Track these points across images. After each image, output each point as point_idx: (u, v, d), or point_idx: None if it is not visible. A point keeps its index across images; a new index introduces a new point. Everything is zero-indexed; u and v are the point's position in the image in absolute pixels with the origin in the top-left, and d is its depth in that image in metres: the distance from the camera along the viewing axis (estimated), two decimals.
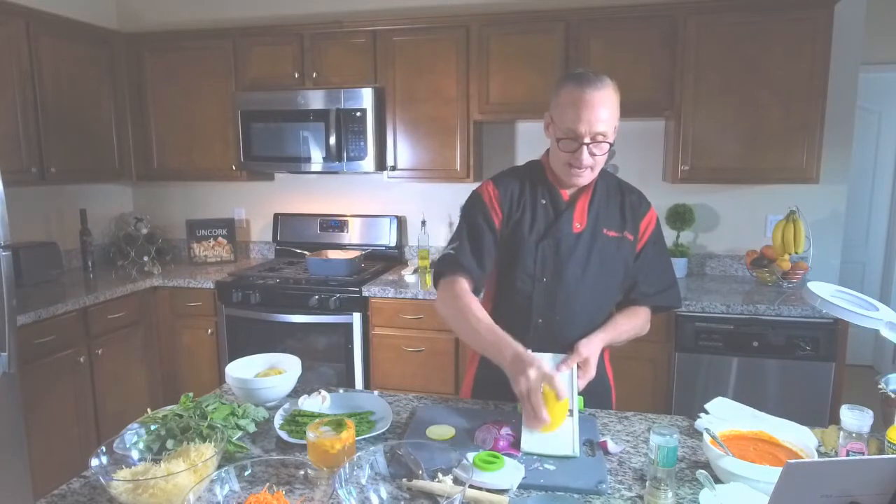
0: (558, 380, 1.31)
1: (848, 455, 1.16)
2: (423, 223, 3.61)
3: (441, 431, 1.40)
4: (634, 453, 1.34)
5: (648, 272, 1.63)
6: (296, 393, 1.64)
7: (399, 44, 3.28)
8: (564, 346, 1.49)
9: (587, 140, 1.45)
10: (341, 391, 1.66)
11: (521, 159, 3.44)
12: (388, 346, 3.15)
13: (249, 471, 1.14)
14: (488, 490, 1.13)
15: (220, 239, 3.87)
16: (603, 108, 1.43)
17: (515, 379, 1.34)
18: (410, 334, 3.11)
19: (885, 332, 1.35)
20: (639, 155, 3.37)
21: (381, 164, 3.39)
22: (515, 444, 1.33)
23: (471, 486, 1.10)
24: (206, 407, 1.37)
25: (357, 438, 1.31)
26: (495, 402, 1.60)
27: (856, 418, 1.16)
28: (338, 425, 1.23)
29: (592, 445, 1.34)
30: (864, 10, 3.09)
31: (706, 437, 1.23)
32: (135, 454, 1.19)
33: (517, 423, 1.37)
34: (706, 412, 1.48)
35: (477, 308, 1.50)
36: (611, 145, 1.49)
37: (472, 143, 3.28)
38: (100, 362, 3.06)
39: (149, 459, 1.18)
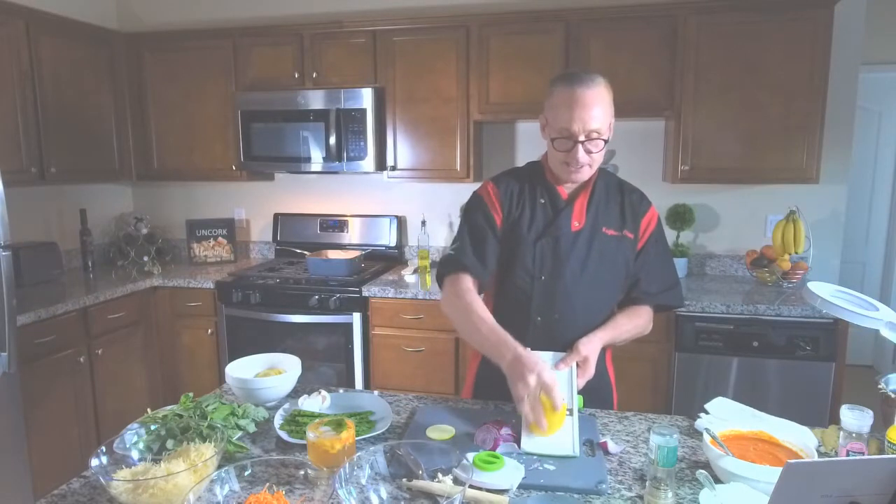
0: (556, 392, 1.30)
1: (848, 455, 1.16)
2: (423, 223, 3.61)
3: (441, 431, 1.40)
4: (634, 453, 1.34)
5: (650, 271, 1.62)
6: (296, 393, 1.64)
7: (399, 44, 3.28)
8: (563, 344, 1.49)
9: (581, 138, 1.45)
10: (341, 391, 1.66)
11: (521, 159, 3.44)
12: (388, 346, 3.15)
13: (249, 471, 1.14)
14: (488, 490, 1.13)
15: (220, 239, 3.87)
16: (595, 106, 1.44)
17: (514, 384, 1.34)
18: (410, 334, 3.11)
19: (885, 332, 1.35)
20: (639, 155, 3.37)
21: (381, 164, 3.39)
22: (516, 442, 1.33)
23: (471, 486, 1.10)
24: (206, 407, 1.37)
25: (357, 438, 1.31)
26: (495, 402, 1.60)
27: (856, 418, 1.16)
28: (338, 425, 1.23)
29: (592, 445, 1.34)
30: (864, 10, 3.09)
31: (706, 437, 1.23)
32: (135, 454, 1.19)
33: (517, 423, 1.37)
34: (706, 412, 1.48)
35: (479, 307, 1.50)
36: (605, 141, 1.49)
37: (472, 143, 3.28)
38: (100, 362, 3.06)
39: (149, 459, 1.18)
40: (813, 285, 1.47)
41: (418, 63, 3.26)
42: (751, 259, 3.19)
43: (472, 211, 1.63)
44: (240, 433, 1.40)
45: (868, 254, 4.70)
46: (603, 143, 1.48)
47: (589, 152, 1.48)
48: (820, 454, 1.30)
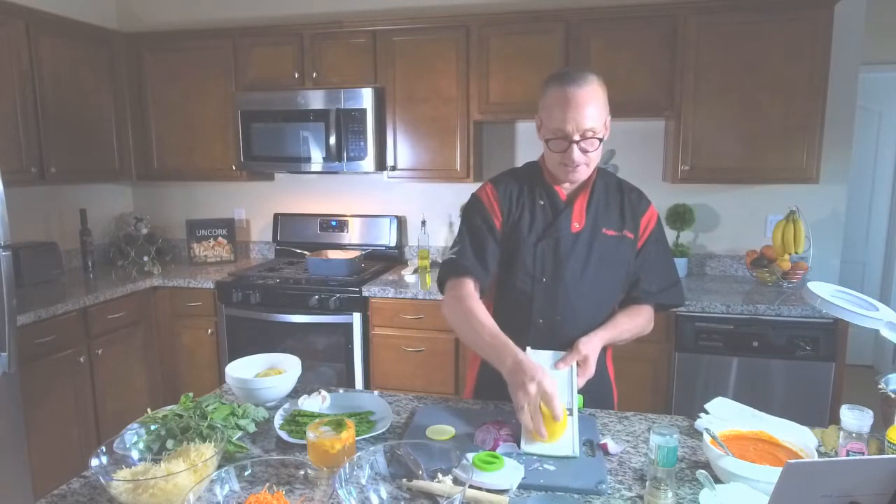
0: (556, 402, 1.28)
1: (848, 455, 1.16)
2: (423, 223, 3.62)
3: (441, 432, 1.40)
4: (634, 453, 1.34)
5: (650, 270, 1.62)
6: (296, 393, 1.64)
7: (399, 44, 3.28)
8: (565, 345, 1.49)
9: (576, 138, 1.45)
10: (341, 391, 1.66)
11: (521, 159, 3.44)
12: (388, 346, 3.15)
13: (249, 471, 1.14)
14: (488, 490, 1.13)
15: (220, 239, 3.87)
16: (588, 106, 1.43)
17: (514, 392, 1.33)
18: (410, 334, 3.11)
19: (885, 332, 1.35)
20: (639, 155, 3.37)
21: (381, 164, 3.39)
22: (515, 442, 1.33)
23: (471, 487, 1.10)
24: (206, 407, 1.37)
25: (357, 438, 1.31)
26: (495, 402, 1.60)
27: (856, 418, 1.16)
28: (338, 425, 1.23)
29: (592, 445, 1.34)
30: (864, 10, 3.09)
31: (706, 437, 1.23)
32: (135, 454, 1.19)
33: (517, 423, 1.37)
34: (706, 412, 1.48)
35: (480, 311, 1.50)
36: (601, 140, 1.48)
37: (472, 143, 3.28)
38: (100, 362, 3.06)
39: (149, 459, 1.18)
40: (813, 285, 1.47)
41: (418, 63, 3.27)
42: (751, 259, 3.19)
43: (472, 213, 1.63)
44: (240, 433, 1.40)
45: (868, 254, 4.70)
46: (598, 141, 1.48)
47: (585, 152, 1.47)
48: (820, 454, 1.30)
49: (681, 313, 2.80)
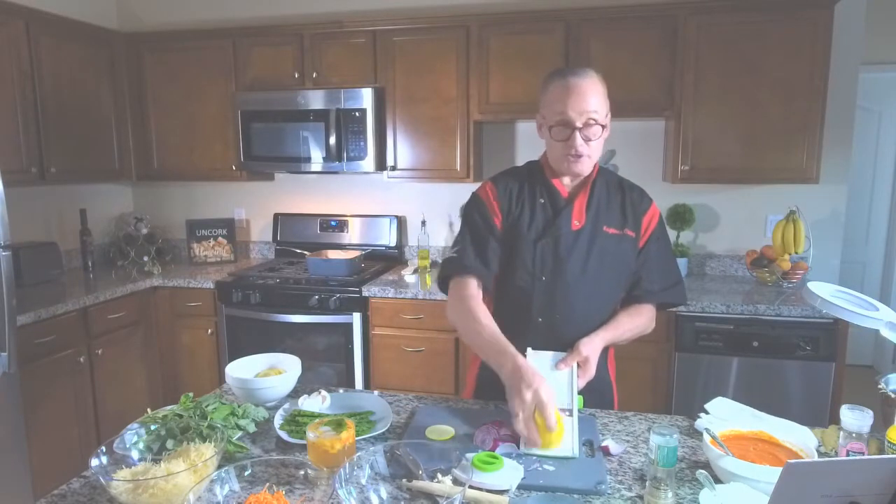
0: (549, 411, 1.27)
1: (848, 455, 1.16)
2: (423, 223, 3.62)
3: (441, 432, 1.40)
4: (634, 453, 1.34)
5: (652, 269, 1.62)
6: (296, 393, 1.64)
7: (399, 44, 3.28)
8: (565, 344, 1.48)
9: (579, 124, 1.46)
10: (341, 391, 1.66)
11: (521, 159, 3.44)
12: (388, 346, 3.15)
13: (249, 471, 1.14)
14: (488, 490, 1.13)
15: (220, 239, 3.87)
16: (591, 95, 1.46)
17: (510, 398, 1.33)
18: (410, 334, 3.11)
19: (885, 332, 1.35)
20: (639, 155, 3.37)
21: (381, 164, 3.39)
22: (515, 442, 1.33)
23: (470, 487, 1.10)
24: (206, 407, 1.37)
25: (357, 438, 1.31)
26: (495, 402, 1.60)
27: (856, 418, 1.16)
28: (338, 425, 1.23)
29: (592, 446, 1.34)
30: (864, 10, 3.09)
31: (706, 437, 1.23)
32: (135, 454, 1.19)
33: None
34: (706, 412, 1.48)
35: (481, 312, 1.50)
36: (603, 128, 1.49)
37: (472, 143, 3.28)
38: (100, 362, 3.06)
39: (149, 459, 1.18)
40: (813, 285, 1.47)
41: (418, 63, 3.27)
42: (751, 259, 3.19)
43: (472, 212, 1.63)
44: (240, 433, 1.40)
45: (868, 254, 4.70)
46: (601, 129, 1.48)
47: (587, 140, 1.47)
48: (820, 454, 1.30)
49: (681, 313, 2.80)
